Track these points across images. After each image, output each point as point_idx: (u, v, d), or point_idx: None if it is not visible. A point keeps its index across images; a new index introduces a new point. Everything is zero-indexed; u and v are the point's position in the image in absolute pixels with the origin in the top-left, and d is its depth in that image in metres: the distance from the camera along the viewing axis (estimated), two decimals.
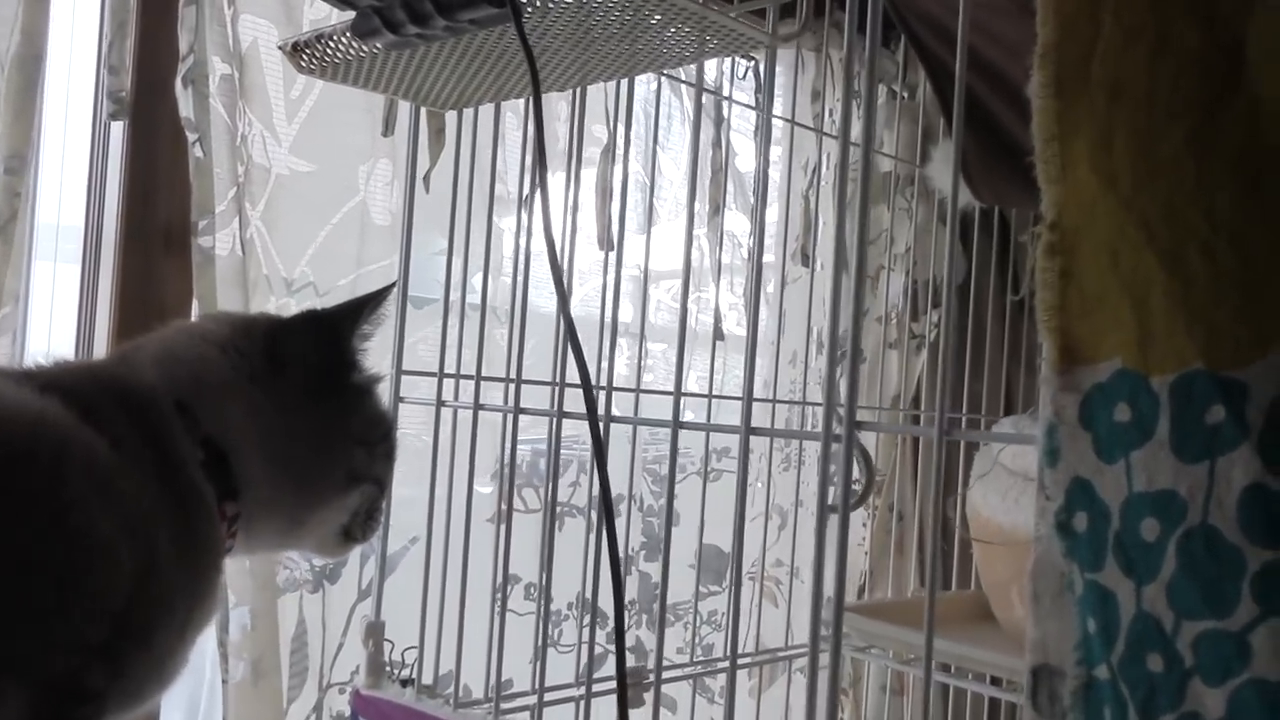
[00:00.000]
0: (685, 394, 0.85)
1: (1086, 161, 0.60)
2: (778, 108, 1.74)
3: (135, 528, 0.62)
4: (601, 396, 0.97)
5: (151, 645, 0.65)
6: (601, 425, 0.89)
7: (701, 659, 1.54)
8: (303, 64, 0.92)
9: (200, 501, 0.70)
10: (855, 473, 0.72)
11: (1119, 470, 0.57)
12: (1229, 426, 0.54)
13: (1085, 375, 0.59)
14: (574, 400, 1.02)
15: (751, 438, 0.82)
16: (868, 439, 1.72)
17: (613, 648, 1.47)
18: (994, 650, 1.25)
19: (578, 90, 1.00)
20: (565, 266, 0.97)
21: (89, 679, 0.60)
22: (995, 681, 1.46)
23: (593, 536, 1.27)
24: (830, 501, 0.73)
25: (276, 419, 0.75)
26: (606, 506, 0.72)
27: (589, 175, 1.59)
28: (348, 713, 1.31)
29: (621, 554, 1.35)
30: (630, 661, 1.67)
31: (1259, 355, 0.54)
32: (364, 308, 0.79)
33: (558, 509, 1.55)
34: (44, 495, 0.58)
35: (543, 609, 1.01)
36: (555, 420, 0.96)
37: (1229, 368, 0.54)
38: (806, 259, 1.76)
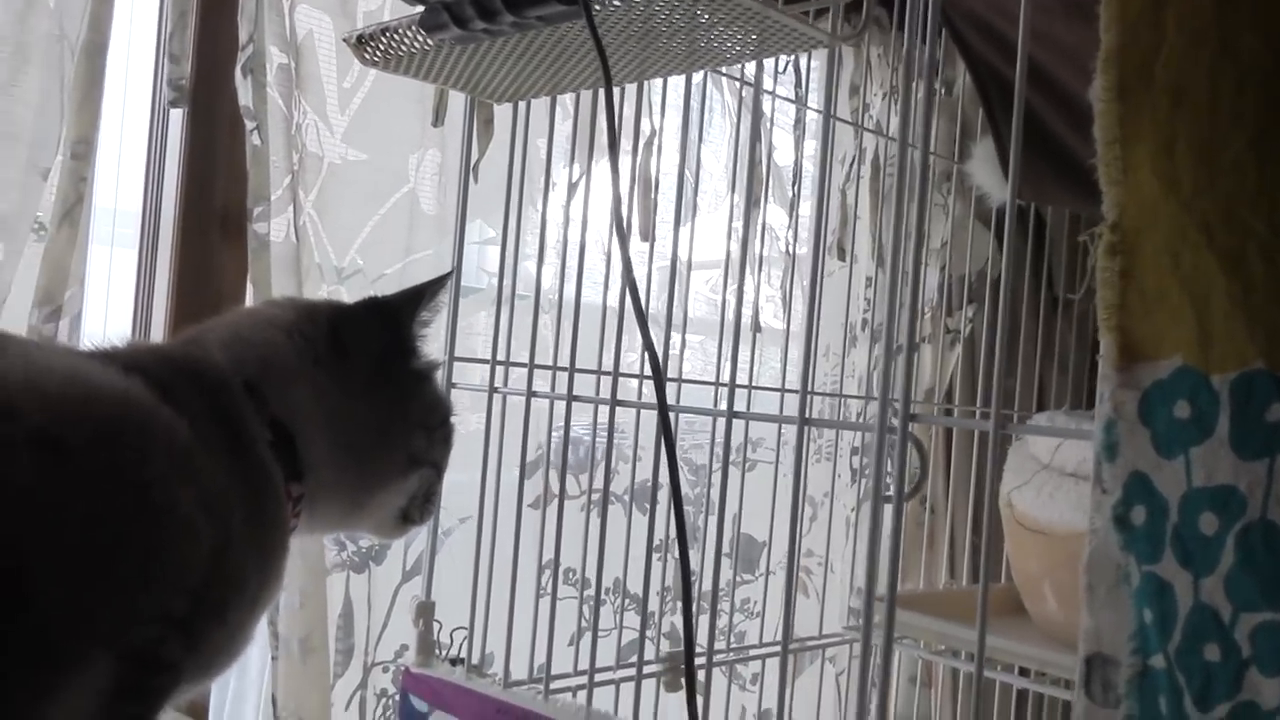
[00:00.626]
0: (736, 385, 0.87)
1: (1148, 165, 0.61)
2: (814, 102, 1.75)
3: (212, 506, 0.64)
4: (648, 387, 0.99)
5: (226, 620, 0.67)
6: (664, 414, 0.91)
7: (736, 646, 1.56)
8: (366, 56, 0.94)
9: (269, 481, 0.72)
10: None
11: (1178, 465, 0.59)
12: None
13: (1145, 372, 0.61)
14: (629, 391, 1.04)
15: (786, 428, 0.84)
16: None
17: (650, 634, 1.49)
18: (1024, 642, 1.26)
19: (630, 85, 1.02)
20: (609, 256, 0.99)
21: (167, 650, 0.62)
22: (1024, 672, 1.48)
23: (633, 523, 1.29)
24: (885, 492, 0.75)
25: (341, 403, 0.77)
26: (677, 498, 0.74)
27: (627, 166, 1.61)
28: (391, 690, 1.35)
29: (658, 540, 1.38)
30: (666, 647, 1.70)
31: None
32: (423, 296, 0.81)
33: (598, 495, 1.57)
34: (130, 472, 0.60)
35: (594, 593, 1.03)
36: (610, 408, 0.98)
37: None
38: (843, 253, 1.77)
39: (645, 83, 1.18)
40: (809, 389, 0.81)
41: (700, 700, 1.03)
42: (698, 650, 1.19)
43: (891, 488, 0.74)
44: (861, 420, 1.69)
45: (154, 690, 0.63)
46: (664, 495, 1.56)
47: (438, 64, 0.95)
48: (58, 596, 0.55)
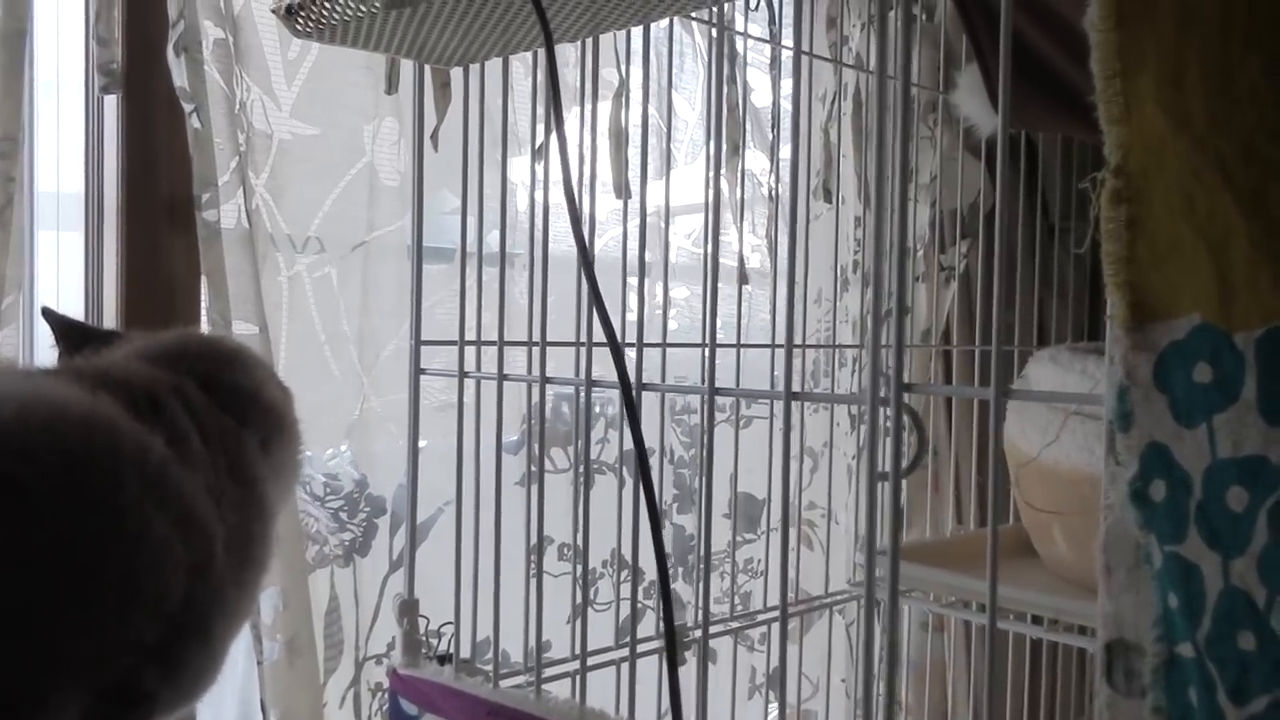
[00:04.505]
0: (719, 345, 0.81)
1: (1154, 99, 0.55)
2: (788, 37, 1.67)
3: (193, 524, 0.60)
4: (630, 354, 0.93)
5: (209, 639, 0.64)
6: (626, 393, 0.86)
7: (741, 610, 1.52)
8: (299, 27, 0.87)
9: (255, 488, 0.69)
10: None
11: (1200, 435, 0.53)
12: None
13: (1160, 333, 0.55)
14: (601, 360, 0.98)
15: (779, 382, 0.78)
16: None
17: (650, 604, 1.45)
18: (1035, 589, 1.22)
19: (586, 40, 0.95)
20: (589, 221, 0.92)
21: (142, 680, 0.59)
22: (1037, 620, 1.44)
23: (625, 493, 1.24)
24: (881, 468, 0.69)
25: None
26: (645, 477, 0.68)
27: (601, 121, 1.54)
28: (386, 684, 1.30)
29: (660, 507, 1.33)
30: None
31: None
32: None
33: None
34: (101, 500, 0.56)
35: (582, 571, 0.98)
36: (585, 389, 0.92)
37: None
38: (829, 195, 1.70)
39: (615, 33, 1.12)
40: (791, 356, 0.75)
41: (697, 670, 0.98)
42: (696, 621, 1.14)
43: (888, 464, 0.69)
44: (857, 369, 1.64)
45: None
46: (656, 463, 1.51)
47: (376, 30, 0.88)
48: (27, 642, 0.52)
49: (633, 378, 0.88)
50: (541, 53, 1.01)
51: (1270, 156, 0.52)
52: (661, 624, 1.32)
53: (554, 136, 0.76)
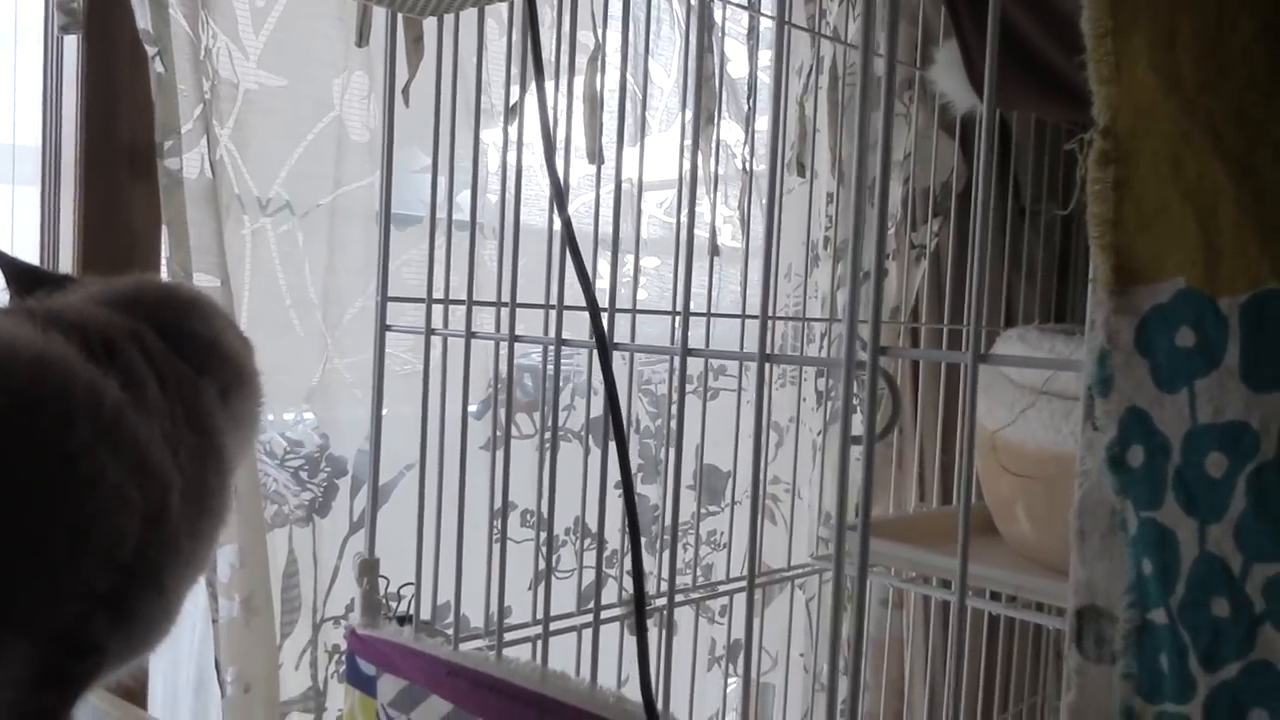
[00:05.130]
0: (693, 314, 0.80)
1: (1145, 59, 0.54)
2: (770, 8, 1.66)
3: (148, 471, 0.59)
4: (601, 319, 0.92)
5: (164, 589, 0.62)
6: (604, 354, 0.85)
7: (703, 581, 1.52)
8: None
9: (214, 437, 0.68)
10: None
11: (1181, 400, 0.53)
12: None
13: (1143, 296, 0.54)
14: (570, 323, 0.97)
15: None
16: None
17: (612, 573, 1.44)
18: (996, 567, 1.22)
19: None
20: (563, 182, 0.91)
21: (92, 630, 0.58)
22: (996, 597, 1.45)
23: (591, 461, 1.23)
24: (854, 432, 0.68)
25: None
26: (620, 440, 0.67)
27: (577, 85, 1.52)
28: (344, 646, 1.29)
29: (618, 478, 1.32)
30: (632, 587, 1.65)
31: None
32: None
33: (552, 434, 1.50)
34: (52, 444, 0.54)
35: (547, 536, 0.97)
36: (554, 348, 0.90)
37: None
38: (802, 169, 1.69)
39: None
40: (767, 320, 0.73)
41: (662, 639, 0.98)
42: (660, 590, 1.13)
43: (862, 427, 0.68)
44: (825, 345, 1.63)
45: (76, 677, 0.58)
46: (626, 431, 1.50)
47: None
48: None
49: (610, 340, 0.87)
50: (519, 7, 0.99)
51: (1260, 120, 0.51)
52: (624, 592, 1.31)
53: (530, 96, 0.75)
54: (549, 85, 0.96)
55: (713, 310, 1.41)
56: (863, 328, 0.67)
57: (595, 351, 0.72)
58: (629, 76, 1.58)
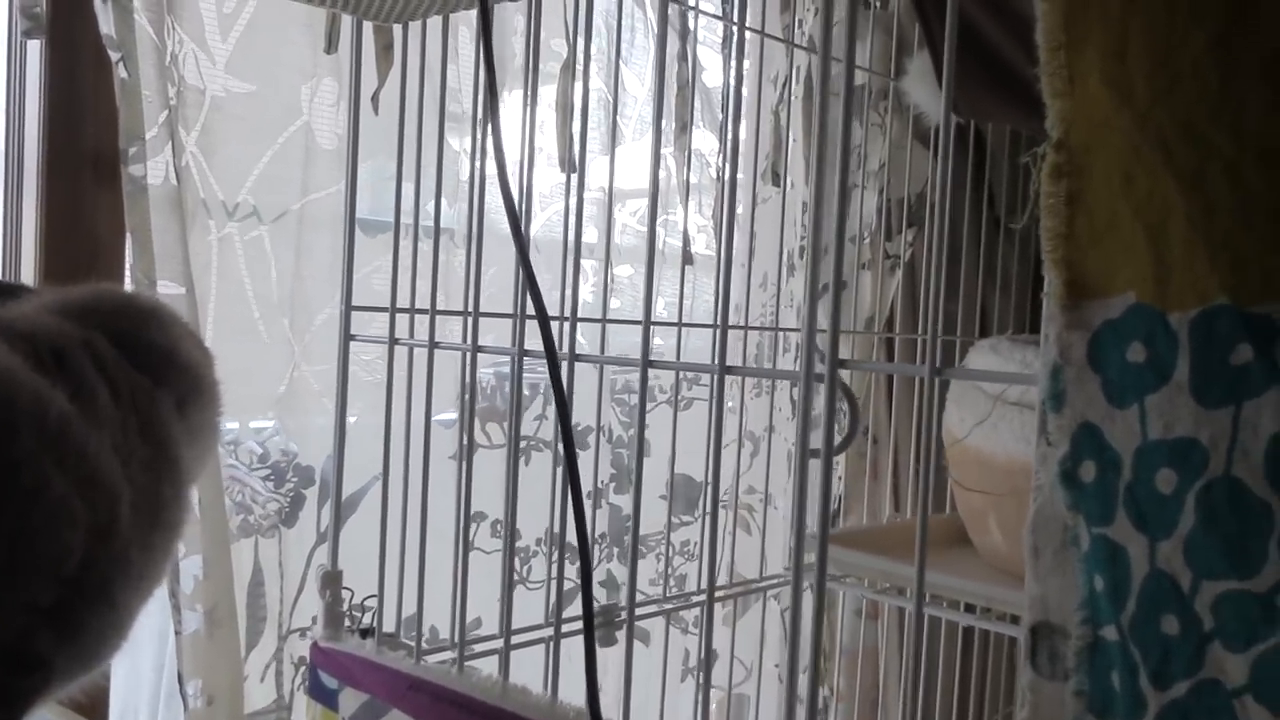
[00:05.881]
0: (655, 323, 0.80)
1: (1098, 72, 0.53)
2: (745, 18, 1.65)
3: (97, 483, 0.57)
4: (566, 328, 0.92)
5: (114, 602, 0.61)
6: (565, 365, 0.84)
7: (675, 592, 1.51)
8: None
9: (168, 449, 0.66)
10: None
11: (1132, 416, 0.52)
12: (1257, 369, 0.48)
13: (1095, 311, 0.54)
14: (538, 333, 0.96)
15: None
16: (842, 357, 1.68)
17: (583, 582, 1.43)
18: (969, 578, 1.22)
19: (533, 1, 0.92)
20: (524, 190, 0.90)
21: (36, 645, 0.56)
22: (970, 609, 1.44)
23: (560, 471, 1.21)
24: (812, 445, 0.68)
25: None
26: (570, 455, 0.66)
27: (548, 92, 1.51)
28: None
29: (591, 487, 1.31)
30: (603, 598, 1.64)
31: None
32: None
33: (524, 443, 1.50)
34: None
35: (508, 548, 0.96)
36: (517, 359, 0.90)
37: (1257, 303, 0.49)
38: (777, 178, 1.69)
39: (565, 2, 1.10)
40: (725, 333, 0.73)
41: (629, 650, 0.97)
42: (619, 604, 1.13)
43: (821, 442, 0.67)
44: (798, 363, 1.63)
45: (21, 692, 0.57)
46: (592, 440, 1.49)
47: None
48: None
49: (568, 351, 0.86)
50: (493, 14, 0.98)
51: (1209, 136, 0.51)
52: (595, 603, 1.30)
53: (503, 103, 0.74)
54: (520, 94, 0.95)
55: (687, 320, 1.41)
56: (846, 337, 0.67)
57: (567, 360, 0.71)
58: (601, 85, 1.58)
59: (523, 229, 0.68)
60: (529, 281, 0.66)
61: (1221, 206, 0.50)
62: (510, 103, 1.38)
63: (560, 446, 0.99)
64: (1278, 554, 0.48)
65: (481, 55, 0.65)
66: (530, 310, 0.89)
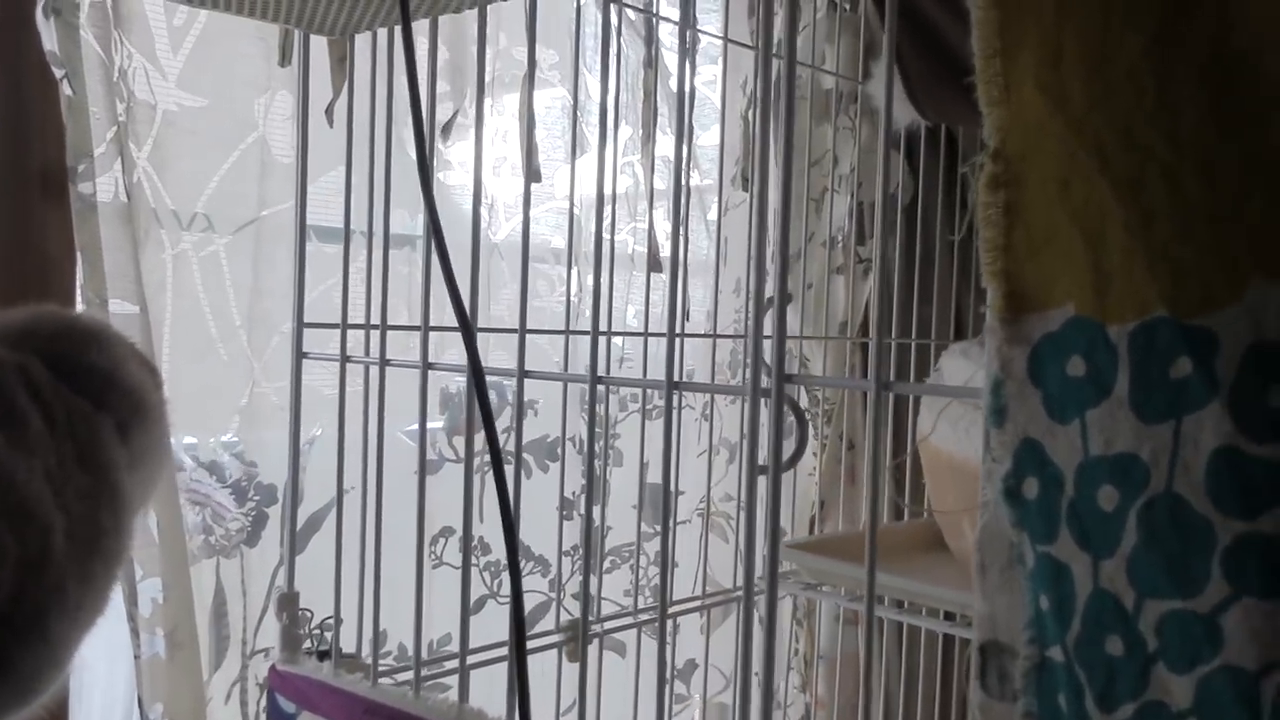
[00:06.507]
0: (614, 333, 0.79)
1: (1033, 79, 0.52)
2: (713, 24, 1.64)
3: (27, 513, 0.55)
4: (519, 343, 0.90)
5: (48, 636, 0.59)
6: (478, 375, 0.82)
7: (649, 604, 1.49)
8: None
9: (108, 475, 0.64)
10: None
11: (1073, 431, 0.51)
12: (1196, 382, 0.47)
13: (1034, 325, 0.52)
14: (505, 347, 0.94)
15: (696, 363, 0.76)
16: (814, 363, 1.66)
17: (554, 595, 1.42)
18: (945, 584, 1.21)
19: (484, 8, 0.91)
20: (487, 200, 0.89)
21: None
22: (949, 617, 1.43)
23: (527, 484, 1.20)
24: (760, 461, 0.67)
25: None
26: (496, 462, 0.65)
27: (512, 101, 1.50)
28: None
29: (562, 498, 1.30)
30: (576, 611, 1.62)
31: (1230, 299, 0.47)
32: None
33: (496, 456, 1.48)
34: None
35: (464, 564, 0.94)
36: (469, 374, 0.88)
37: (1196, 314, 0.48)
38: (746, 183, 1.68)
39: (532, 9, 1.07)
40: (673, 351, 0.72)
41: (595, 664, 0.95)
42: (596, 614, 1.11)
43: (768, 458, 0.66)
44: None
45: None
46: (561, 451, 1.48)
47: None
48: None
49: (518, 367, 0.85)
50: (448, 24, 0.97)
51: (1146, 142, 0.50)
52: (565, 614, 1.28)
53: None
54: (484, 103, 0.93)
55: (657, 328, 1.39)
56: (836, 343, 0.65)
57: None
58: (565, 92, 1.56)
59: (439, 235, 0.67)
60: (452, 294, 0.65)
61: (1160, 214, 0.49)
62: (473, 113, 1.37)
63: (530, 461, 0.98)
64: (1220, 573, 0.46)
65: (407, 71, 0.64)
66: (504, 324, 0.87)
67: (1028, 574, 0.53)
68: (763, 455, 0.68)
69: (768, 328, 0.67)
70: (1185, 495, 0.47)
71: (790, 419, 0.65)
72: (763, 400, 0.66)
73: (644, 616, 1.37)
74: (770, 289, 0.68)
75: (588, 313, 1.61)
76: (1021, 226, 0.53)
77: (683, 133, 0.81)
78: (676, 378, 0.75)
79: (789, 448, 0.66)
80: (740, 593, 1.47)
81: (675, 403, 0.94)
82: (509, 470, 0.73)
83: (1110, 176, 0.50)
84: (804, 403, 1.78)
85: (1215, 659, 0.46)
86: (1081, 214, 0.51)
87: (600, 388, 0.80)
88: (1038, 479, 0.52)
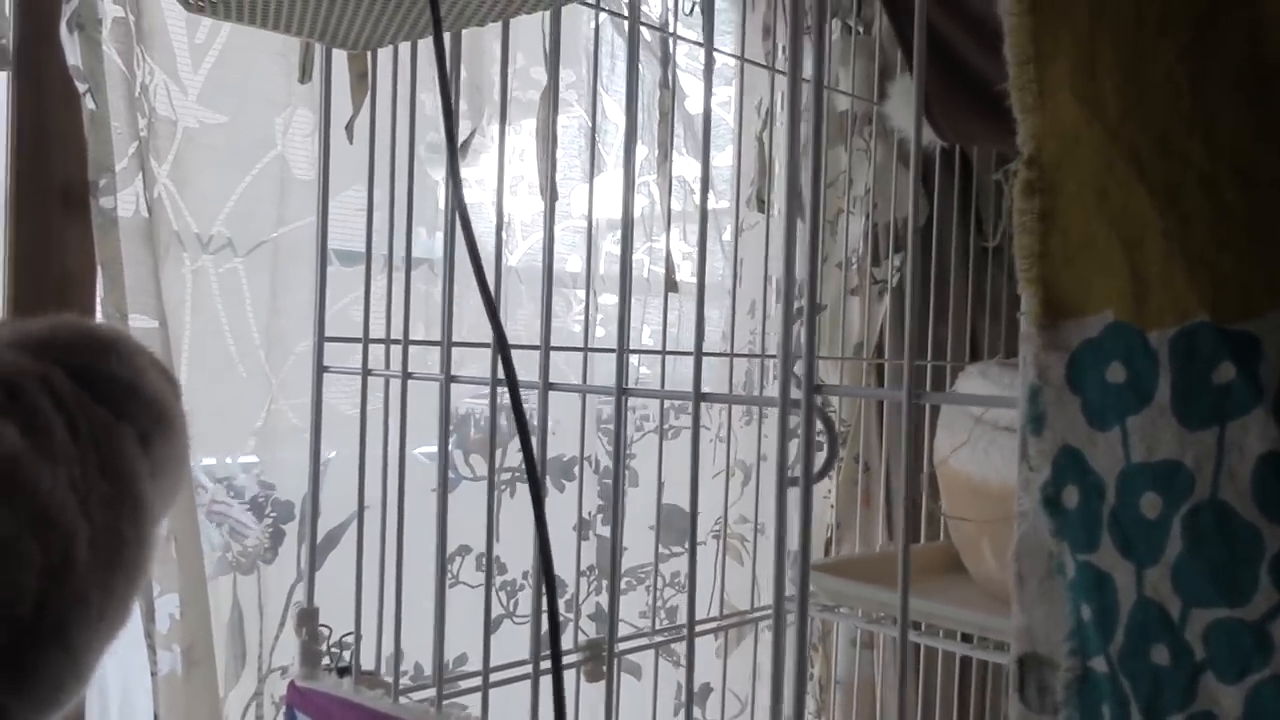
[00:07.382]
0: (634, 350, 0.78)
1: (1068, 86, 0.52)
2: (728, 45, 1.65)
3: (50, 522, 0.55)
4: (542, 357, 0.90)
5: (70, 645, 0.58)
6: (540, 394, 0.82)
7: (666, 625, 1.49)
8: (190, 1, 0.82)
9: (131, 485, 0.64)
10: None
11: (1114, 438, 0.50)
12: (1240, 387, 0.47)
13: (1072, 331, 0.52)
14: (524, 363, 0.93)
15: (709, 390, 0.75)
16: (831, 384, 1.66)
17: (571, 615, 1.41)
18: (963, 606, 1.20)
19: (506, 25, 0.91)
20: (504, 219, 0.89)
21: None
22: (967, 639, 1.42)
23: (550, 503, 1.18)
24: (792, 472, 0.66)
25: None
26: (534, 486, 0.64)
27: (528, 121, 1.50)
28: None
29: (580, 517, 1.29)
30: (593, 631, 1.61)
31: (1271, 304, 0.47)
32: None
33: (509, 475, 1.48)
34: None
35: (486, 583, 0.93)
36: (491, 387, 0.88)
37: (1238, 320, 0.47)
38: (762, 204, 1.68)
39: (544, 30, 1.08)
40: (700, 360, 0.71)
41: (610, 684, 0.94)
42: (604, 639, 1.10)
43: (800, 469, 0.65)
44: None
45: None
46: (578, 470, 1.47)
47: (274, 8, 0.84)
48: None
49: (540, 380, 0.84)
50: (470, 42, 0.97)
51: (1184, 149, 0.49)
52: (579, 637, 1.28)
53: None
54: (500, 123, 0.93)
55: (674, 348, 1.39)
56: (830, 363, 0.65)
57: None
58: (583, 112, 1.57)
59: (486, 258, 0.67)
60: (489, 309, 0.64)
61: (1198, 220, 0.49)
62: (490, 132, 1.37)
63: (550, 478, 0.97)
64: (1269, 580, 0.46)
65: (439, 86, 0.64)
66: (525, 340, 0.87)
67: (1068, 584, 0.52)
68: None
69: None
70: (1231, 502, 0.47)
71: (820, 431, 0.64)
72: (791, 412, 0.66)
73: (660, 638, 1.35)
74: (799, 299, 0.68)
75: (601, 332, 1.61)
76: (1058, 233, 0.52)
77: (708, 156, 0.81)
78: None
79: (819, 460, 0.66)
80: (759, 613, 1.46)
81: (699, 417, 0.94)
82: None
83: (1148, 184, 0.50)
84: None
85: (1265, 668, 0.45)
86: (1119, 221, 0.50)
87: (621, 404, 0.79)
88: (1078, 487, 0.52)
